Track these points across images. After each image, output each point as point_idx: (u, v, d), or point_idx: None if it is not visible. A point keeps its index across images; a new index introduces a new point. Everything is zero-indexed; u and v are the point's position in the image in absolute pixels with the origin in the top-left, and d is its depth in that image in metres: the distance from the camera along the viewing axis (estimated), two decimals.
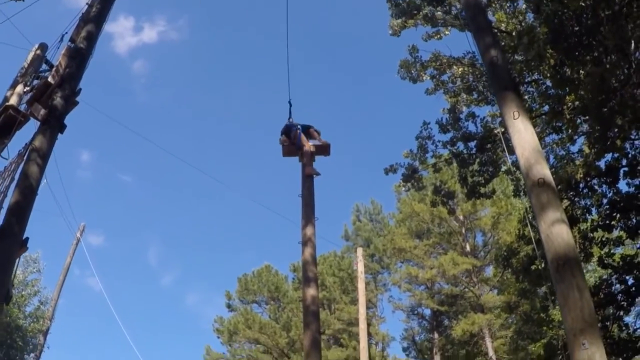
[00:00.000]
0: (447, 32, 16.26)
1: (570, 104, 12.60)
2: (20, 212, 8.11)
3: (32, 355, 28.75)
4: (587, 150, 12.61)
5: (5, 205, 9.22)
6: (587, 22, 9.85)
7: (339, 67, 79.88)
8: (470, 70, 16.05)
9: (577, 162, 13.38)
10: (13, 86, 11.82)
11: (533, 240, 10.75)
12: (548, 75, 13.10)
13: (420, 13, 16.11)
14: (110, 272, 73.62)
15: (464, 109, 16.22)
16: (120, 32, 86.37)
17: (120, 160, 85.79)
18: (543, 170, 7.08)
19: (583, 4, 9.86)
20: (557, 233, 6.48)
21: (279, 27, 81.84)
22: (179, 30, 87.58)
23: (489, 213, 31.74)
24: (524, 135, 7.50)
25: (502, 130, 12.76)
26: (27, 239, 8.33)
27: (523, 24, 14.27)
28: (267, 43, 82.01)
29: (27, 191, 8.34)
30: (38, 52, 12.05)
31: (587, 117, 11.95)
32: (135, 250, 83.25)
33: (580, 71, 11.01)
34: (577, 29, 10.23)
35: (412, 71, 16.70)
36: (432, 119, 16.35)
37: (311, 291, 10.51)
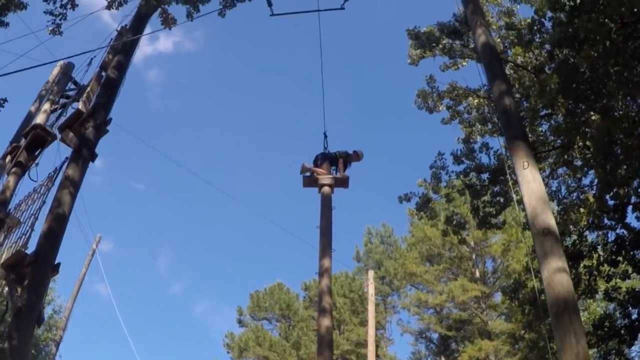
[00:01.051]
0: (464, 63, 16.48)
1: (581, 143, 12.96)
2: (53, 238, 8.45)
3: None
4: (591, 199, 12.94)
5: (36, 227, 9.68)
6: (599, 69, 10.22)
7: (354, 92, 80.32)
8: (486, 102, 16.29)
9: (582, 210, 13.67)
10: (38, 100, 12.22)
11: (535, 281, 11.03)
12: (559, 114, 13.46)
13: (439, 45, 16.53)
14: (119, 279, 73.91)
15: (479, 138, 16.48)
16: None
17: (133, 168, 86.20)
18: (548, 221, 7.40)
19: (595, 54, 10.24)
20: (558, 281, 6.80)
21: (296, 41, 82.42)
22: (195, 40, 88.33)
23: (500, 240, 31.93)
24: (532, 185, 7.84)
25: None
26: (59, 264, 8.65)
27: (539, 58, 14.58)
28: (285, 58, 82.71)
29: (60, 218, 8.63)
30: (64, 71, 12.51)
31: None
32: (145, 258, 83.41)
33: (591, 116, 11.39)
34: (587, 75, 10.62)
35: (429, 101, 16.95)
36: (446, 146, 16.69)
37: (326, 322, 10.93)
